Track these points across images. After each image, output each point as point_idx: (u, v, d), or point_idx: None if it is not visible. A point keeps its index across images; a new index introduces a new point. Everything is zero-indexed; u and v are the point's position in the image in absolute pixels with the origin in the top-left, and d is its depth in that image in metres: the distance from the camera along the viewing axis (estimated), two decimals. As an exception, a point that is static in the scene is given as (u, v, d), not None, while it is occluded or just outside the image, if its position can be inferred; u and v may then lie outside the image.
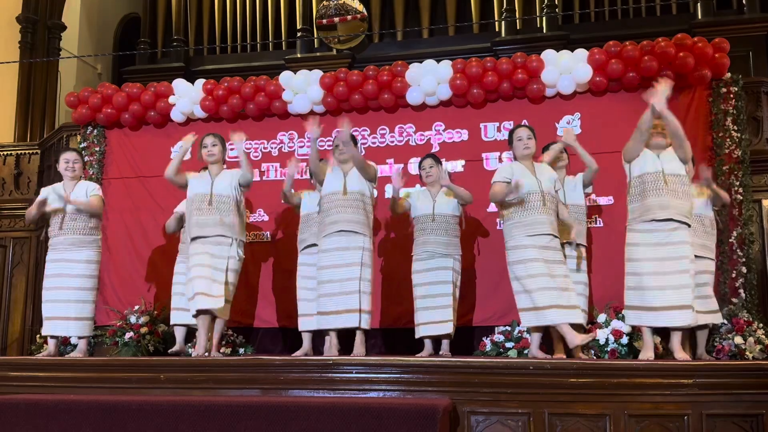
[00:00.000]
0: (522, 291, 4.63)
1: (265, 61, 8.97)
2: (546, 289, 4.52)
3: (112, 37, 10.65)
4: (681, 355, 4.28)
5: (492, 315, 5.94)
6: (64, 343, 6.18)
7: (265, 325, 6.37)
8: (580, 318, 4.67)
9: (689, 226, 4.36)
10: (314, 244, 5.26)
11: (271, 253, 6.46)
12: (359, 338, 4.86)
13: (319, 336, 5.46)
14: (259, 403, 3.67)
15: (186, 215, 5.12)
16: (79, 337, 5.28)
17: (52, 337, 5.26)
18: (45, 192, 5.33)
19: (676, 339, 4.33)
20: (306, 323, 5.41)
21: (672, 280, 4.23)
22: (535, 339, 4.76)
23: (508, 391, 3.72)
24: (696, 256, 4.50)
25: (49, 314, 5.22)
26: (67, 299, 5.14)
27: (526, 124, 5.07)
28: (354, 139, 5.13)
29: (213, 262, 4.85)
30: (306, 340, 5.47)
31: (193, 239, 4.94)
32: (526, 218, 4.64)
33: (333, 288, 4.84)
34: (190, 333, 5.66)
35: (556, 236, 4.68)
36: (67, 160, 5.36)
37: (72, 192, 5.28)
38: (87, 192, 5.30)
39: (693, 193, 4.65)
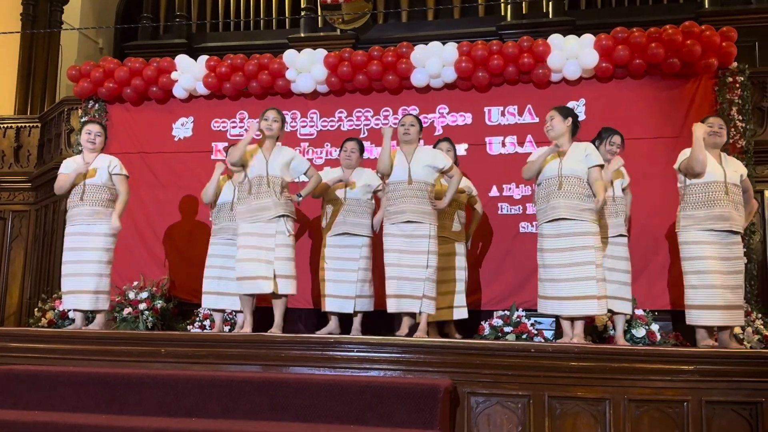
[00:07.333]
0: (540, 279, 4.63)
1: (268, 40, 8.87)
2: (558, 281, 4.48)
3: (114, 12, 10.56)
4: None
5: (491, 299, 5.95)
6: (62, 317, 6.18)
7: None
8: (595, 309, 4.45)
9: None
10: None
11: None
12: (423, 322, 4.81)
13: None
14: (261, 378, 3.68)
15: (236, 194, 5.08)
16: (97, 311, 5.19)
17: (76, 310, 5.19)
18: (68, 165, 5.23)
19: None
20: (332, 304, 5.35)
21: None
22: (565, 326, 4.56)
23: (508, 373, 3.73)
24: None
25: (67, 288, 5.14)
26: (81, 272, 5.07)
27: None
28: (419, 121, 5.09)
29: (261, 242, 4.81)
30: (333, 319, 5.39)
31: (242, 220, 4.89)
32: (544, 204, 4.61)
33: (399, 272, 4.81)
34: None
35: (578, 220, 4.48)
36: (89, 132, 5.26)
37: (92, 164, 5.19)
38: (109, 168, 5.21)
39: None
